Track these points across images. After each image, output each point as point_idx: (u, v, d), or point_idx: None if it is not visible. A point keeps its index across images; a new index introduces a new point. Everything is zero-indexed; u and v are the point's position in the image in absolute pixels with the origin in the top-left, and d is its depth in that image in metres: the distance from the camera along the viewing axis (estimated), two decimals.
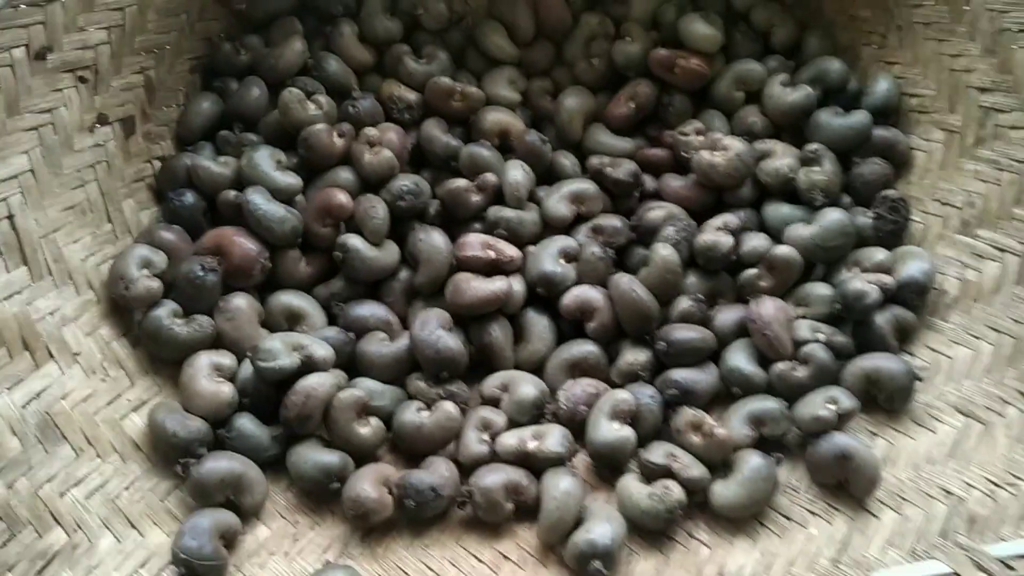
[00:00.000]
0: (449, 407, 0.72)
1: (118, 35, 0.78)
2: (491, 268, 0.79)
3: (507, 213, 0.82)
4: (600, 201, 0.85)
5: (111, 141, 0.78)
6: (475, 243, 0.80)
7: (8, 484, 0.63)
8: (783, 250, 0.79)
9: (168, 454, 0.70)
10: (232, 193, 0.79)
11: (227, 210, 0.79)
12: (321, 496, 0.71)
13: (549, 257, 0.80)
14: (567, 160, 0.88)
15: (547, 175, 0.88)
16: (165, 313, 0.73)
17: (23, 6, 0.71)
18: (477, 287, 0.77)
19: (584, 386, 0.75)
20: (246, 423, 0.71)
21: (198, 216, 0.80)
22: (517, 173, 0.84)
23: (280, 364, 0.70)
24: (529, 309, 0.80)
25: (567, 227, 0.84)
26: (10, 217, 0.70)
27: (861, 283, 0.76)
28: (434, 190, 0.86)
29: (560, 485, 0.67)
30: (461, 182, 0.83)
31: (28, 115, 0.72)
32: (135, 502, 0.68)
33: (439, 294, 0.80)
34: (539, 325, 0.79)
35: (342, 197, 0.80)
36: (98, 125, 0.77)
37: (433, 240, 0.80)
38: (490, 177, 0.83)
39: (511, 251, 0.80)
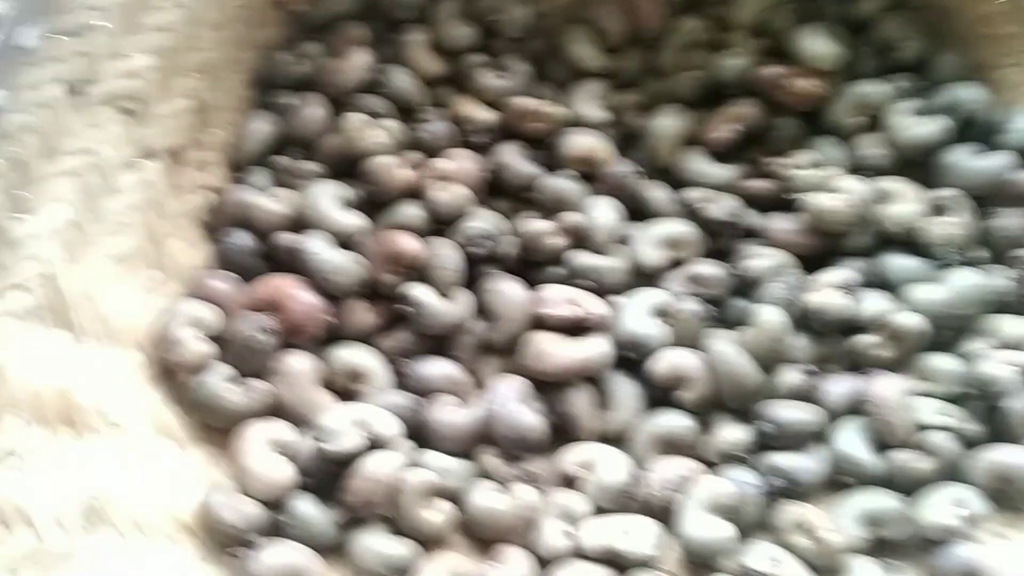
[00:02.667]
0: (528, 493, 0.65)
1: (166, 58, 0.69)
2: (575, 327, 0.71)
3: (592, 261, 0.74)
4: (696, 245, 0.76)
5: (157, 176, 0.71)
6: (558, 299, 0.71)
7: None
8: (911, 320, 0.70)
9: (224, 543, 0.64)
10: (288, 236, 0.72)
11: (284, 255, 0.72)
12: None
13: (639, 316, 0.71)
14: (661, 194, 0.79)
15: (636, 209, 0.79)
16: (217, 379, 0.67)
17: (62, 37, 0.62)
18: (563, 354, 0.69)
19: (677, 468, 0.68)
20: (308, 509, 0.65)
21: (252, 259, 0.72)
22: (605, 214, 0.75)
23: (344, 448, 0.63)
24: (614, 372, 0.72)
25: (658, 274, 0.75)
26: (49, 276, 0.63)
27: (996, 366, 0.67)
28: (511, 223, 0.77)
29: None
30: (541, 225, 0.74)
31: (66, 157, 0.64)
32: None
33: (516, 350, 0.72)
34: (625, 391, 0.71)
35: (412, 244, 0.72)
36: (143, 160, 0.69)
37: (508, 292, 0.72)
38: (574, 217, 0.74)
39: (599, 308, 0.71)
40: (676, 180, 0.80)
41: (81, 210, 0.65)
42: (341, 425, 0.64)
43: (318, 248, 0.69)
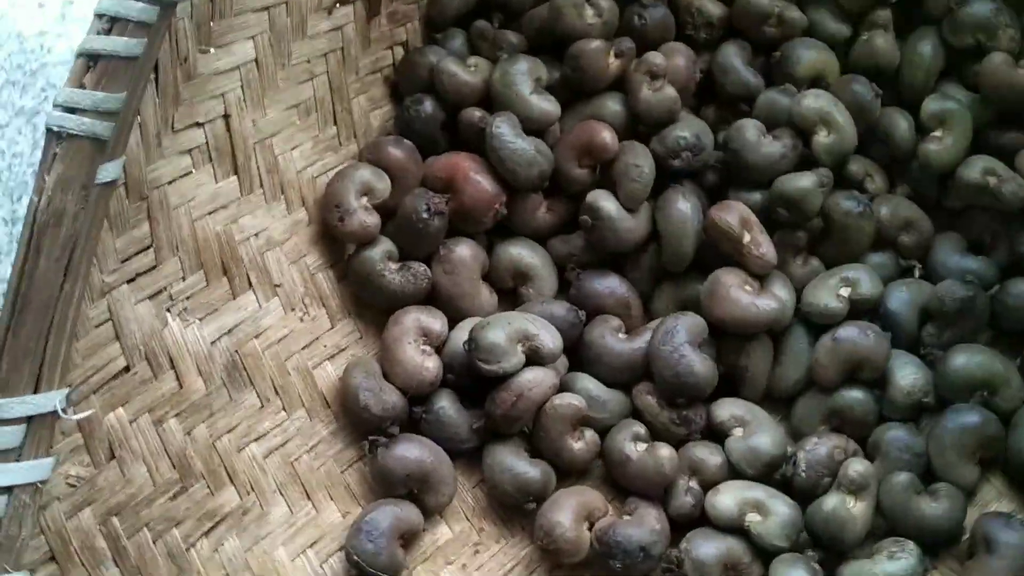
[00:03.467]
0: (665, 453, 0.60)
1: None
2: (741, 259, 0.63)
3: (795, 190, 0.64)
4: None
5: (350, 24, 0.65)
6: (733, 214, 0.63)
7: (187, 430, 0.57)
8: None
9: (357, 425, 0.62)
10: (478, 114, 0.66)
11: (468, 131, 0.66)
12: (514, 508, 0.62)
13: (828, 290, 0.63)
14: (904, 121, 0.68)
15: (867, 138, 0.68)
16: (379, 255, 0.63)
17: None
18: (744, 303, 0.62)
19: (834, 447, 0.61)
20: (447, 407, 0.62)
21: (435, 130, 0.67)
22: (829, 139, 0.65)
23: (504, 367, 0.59)
24: (796, 329, 0.65)
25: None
26: (226, 117, 0.60)
27: None
28: (716, 133, 0.68)
29: None
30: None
31: None
32: (315, 469, 0.61)
33: (692, 275, 0.66)
34: (801, 349, 0.64)
35: (608, 136, 0.65)
36: (338, 4, 0.64)
37: (682, 211, 0.64)
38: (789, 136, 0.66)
39: (770, 252, 0.63)
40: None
41: (268, 51, 0.61)
42: (501, 340, 0.59)
43: (506, 132, 0.63)
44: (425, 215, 0.62)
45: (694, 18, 0.69)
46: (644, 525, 0.58)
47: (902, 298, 0.64)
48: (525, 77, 0.65)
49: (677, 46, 0.68)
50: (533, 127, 0.65)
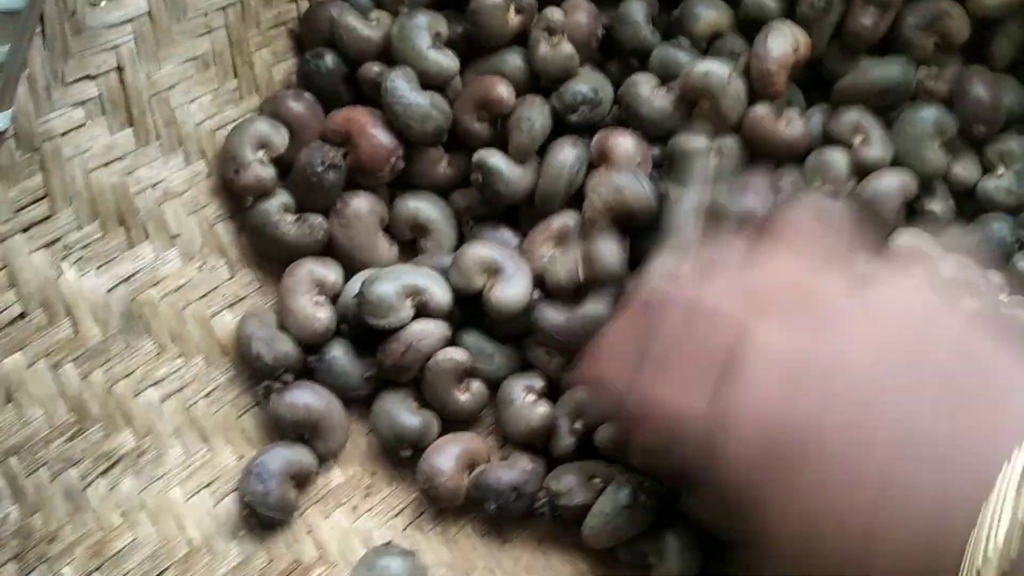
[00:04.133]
0: (541, 411, 0.62)
1: None
2: None
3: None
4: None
5: None
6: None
7: (83, 375, 0.59)
8: None
9: (252, 373, 0.64)
10: (375, 68, 0.66)
11: (368, 86, 0.67)
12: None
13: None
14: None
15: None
16: (274, 207, 0.64)
17: None
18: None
19: None
20: (339, 356, 0.63)
21: (337, 84, 0.68)
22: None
23: (391, 322, 0.61)
24: None
25: None
26: (119, 69, 0.61)
27: None
28: (617, 89, 0.69)
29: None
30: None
31: None
32: (211, 414, 0.63)
33: None
34: None
35: (503, 90, 0.65)
36: None
37: (562, 159, 0.65)
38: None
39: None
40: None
41: (162, 5, 0.62)
42: (390, 294, 0.61)
43: (401, 87, 0.64)
44: (320, 168, 0.64)
45: None
46: (515, 468, 0.61)
47: None
48: (424, 32, 0.66)
49: (579, 1, 0.69)
50: (431, 82, 0.66)
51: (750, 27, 0.69)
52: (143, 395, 0.61)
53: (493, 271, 0.62)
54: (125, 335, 0.61)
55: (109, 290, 0.61)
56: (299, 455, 0.61)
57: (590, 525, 0.59)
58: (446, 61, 0.66)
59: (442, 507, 0.63)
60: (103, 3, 0.59)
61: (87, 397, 0.59)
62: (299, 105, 0.66)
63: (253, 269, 0.67)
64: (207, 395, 0.63)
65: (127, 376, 0.61)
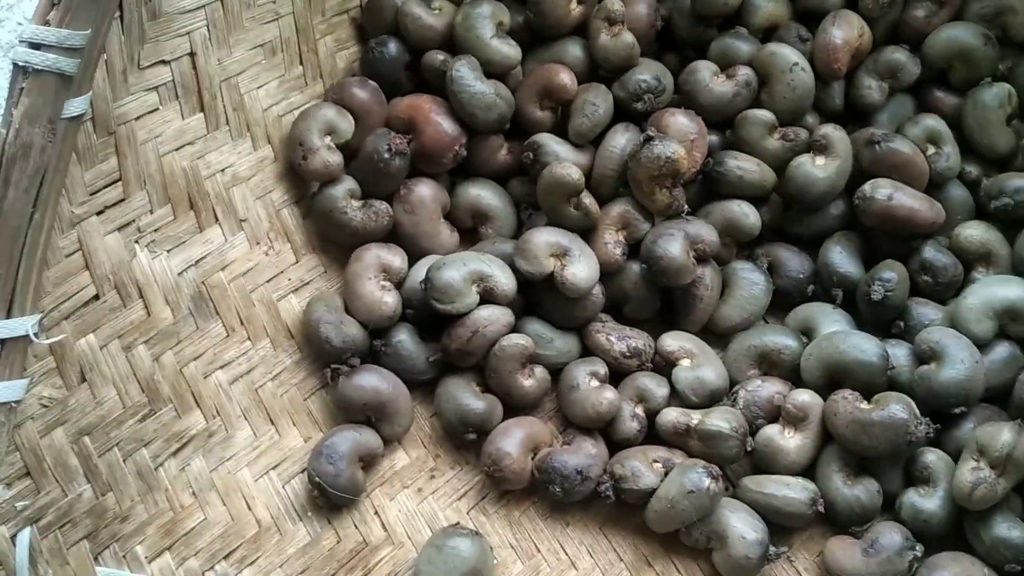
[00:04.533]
0: (608, 395, 0.62)
1: None
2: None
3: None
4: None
5: None
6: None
7: (155, 356, 0.60)
8: None
9: (319, 356, 0.64)
10: (440, 57, 0.67)
11: (431, 74, 0.68)
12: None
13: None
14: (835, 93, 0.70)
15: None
16: (341, 193, 0.65)
17: None
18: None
19: (776, 392, 0.63)
20: (405, 340, 0.64)
21: (399, 72, 0.69)
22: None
23: (457, 307, 0.62)
24: (746, 263, 0.68)
25: None
26: (191, 55, 0.61)
27: None
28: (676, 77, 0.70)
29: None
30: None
31: None
32: (278, 396, 0.64)
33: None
34: (755, 286, 0.67)
35: (566, 77, 0.67)
36: None
37: (614, 140, 0.66)
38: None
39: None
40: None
41: None
42: (456, 281, 0.62)
43: (466, 76, 0.65)
44: (386, 155, 0.64)
45: None
46: (580, 452, 0.62)
47: None
48: (487, 21, 0.67)
49: None
50: (494, 71, 0.67)
51: (808, 19, 0.70)
52: (212, 377, 0.62)
53: (561, 254, 0.63)
54: (195, 317, 0.62)
55: (180, 273, 0.62)
56: (367, 437, 0.62)
57: (654, 509, 0.60)
58: (509, 50, 0.67)
59: (506, 489, 0.63)
60: None
61: (159, 378, 0.60)
62: (364, 92, 0.67)
63: (318, 254, 0.68)
64: (274, 378, 0.64)
65: (197, 358, 0.62)
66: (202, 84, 0.62)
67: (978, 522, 0.58)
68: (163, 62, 0.60)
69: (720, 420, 0.61)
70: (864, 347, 0.61)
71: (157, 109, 0.60)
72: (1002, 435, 0.57)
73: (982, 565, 0.58)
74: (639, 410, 0.63)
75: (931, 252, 0.65)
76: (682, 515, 0.59)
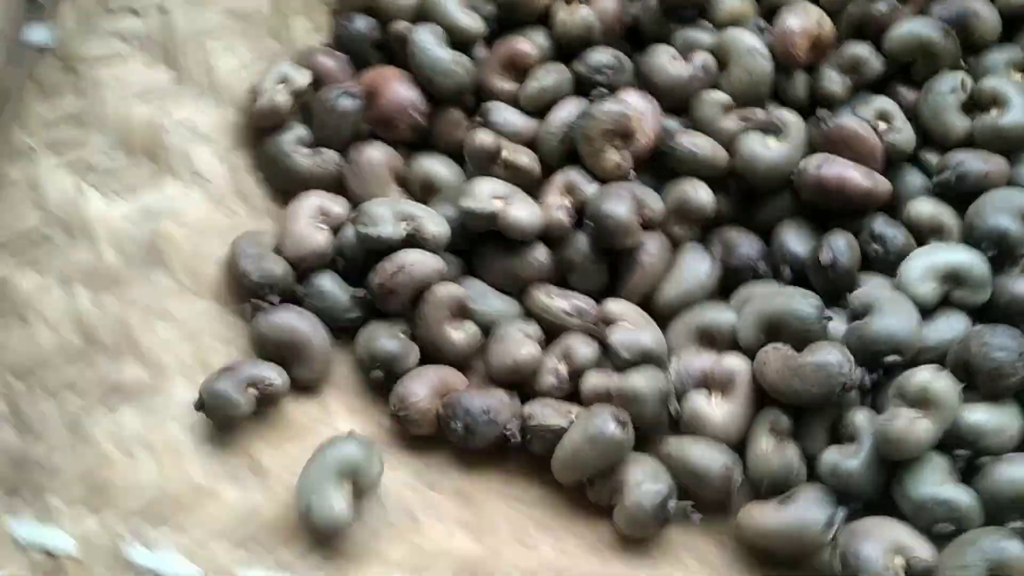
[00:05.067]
0: (530, 350, 0.60)
1: None
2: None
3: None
4: None
5: None
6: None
7: (96, 301, 0.60)
8: None
9: (238, 292, 0.63)
10: (403, 24, 0.68)
11: (398, 44, 0.69)
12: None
13: None
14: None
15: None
16: (290, 138, 0.66)
17: None
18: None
19: (708, 361, 0.61)
20: (326, 282, 0.63)
21: (366, 47, 0.70)
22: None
23: (381, 232, 0.61)
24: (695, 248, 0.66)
25: None
26: (160, 8, 0.63)
27: None
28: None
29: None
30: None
31: None
32: (220, 355, 0.62)
33: None
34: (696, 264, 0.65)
35: (526, 45, 0.67)
36: None
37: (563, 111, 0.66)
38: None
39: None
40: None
41: None
42: (386, 213, 0.61)
43: (427, 42, 0.66)
44: (336, 97, 0.65)
45: None
46: (490, 395, 0.59)
47: None
48: None
49: None
50: (457, 38, 0.67)
51: (771, 16, 0.69)
52: (154, 328, 0.61)
53: (504, 197, 0.62)
54: (143, 266, 0.62)
55: (131, 221, 0.62)
56: (265, 369, 0.59)
57: (558, 457, 0.57)
58: (472, 21, 0.68)
59: (414, 432, 0.60)
60: None
61: (97, 323, 0.59)
62: (331, 60, 0.68)
63: (275, 219, 0.67)
64: (218, 337, 0.62)
65: (140, 307, 0.61)
66: (170, 39, 0.64)
67: (905, 481, 0.55)
68: (133, 12, 0.62)
69: (639, 380, 0.58)
70: (797, 297, 0.59)
71: (122, 56, 0.62)
72: (918, 374, 0.55)
73: (911, 529, 0.53)
74: (562, 367, 0.61)
75: (879, 223, 0.63)
76: (586, 462, 0.56)
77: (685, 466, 0.57)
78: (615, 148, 0.63)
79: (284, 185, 0.66)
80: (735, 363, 0.59)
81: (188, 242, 0.64)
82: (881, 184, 0.63)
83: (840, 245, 0.61)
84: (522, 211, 0.61)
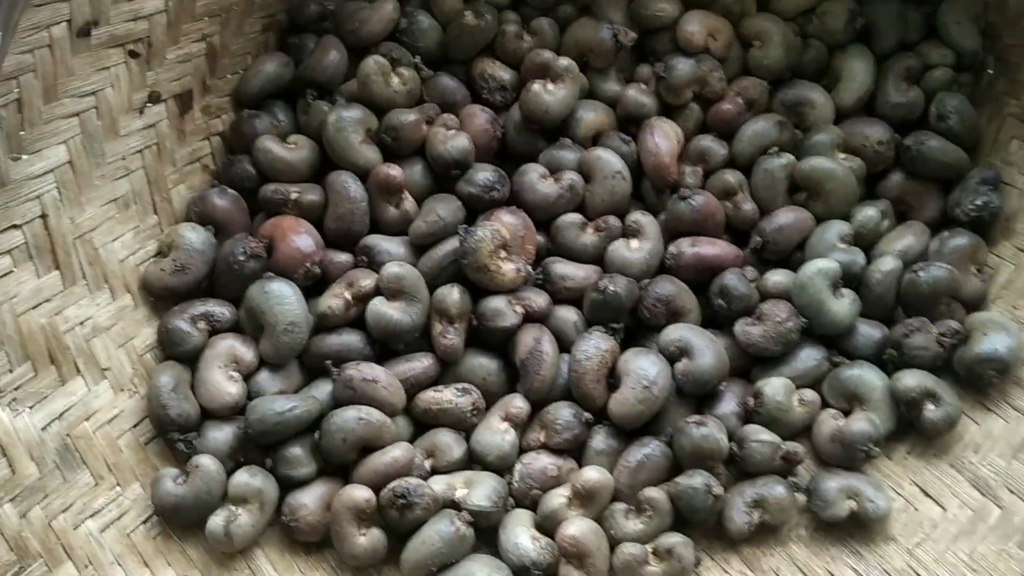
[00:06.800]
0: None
1: (176, 0, 0.68)
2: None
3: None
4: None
5: (163, 121, 0.71)
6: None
7: (21, 513, 0.60)
8: None
9: (153, 419, 0.66)
10: (272, 188, 0.72)
11: (268, 206, 0.73)
12: None
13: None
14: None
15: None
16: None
17: None
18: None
19: (547, 464, 0.67)
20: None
21: (252, 183, 0.73)
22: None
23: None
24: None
25: None
26: (43, 217, 0.64)
27: None
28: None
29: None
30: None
31: (68, 100, 0.64)
32: (151, 538, 0.64)
33: None
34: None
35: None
36: (149, 104, 0.69)
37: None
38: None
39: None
40: None
41: (81, 153, 0.65)
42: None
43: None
44: (241, 256, 0.68)
45: (488, 83, 0.75)
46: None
47: None
48: (358, 127, 0.72)
49: (475, 108, 0.74)
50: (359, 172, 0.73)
51: (629, 124, 0.76)
52: (82, 527, 0.62)
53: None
54: (61, 470, 0.62)
55: (44, 427, 0.62)
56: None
57: (408, 550, 0.64)
58: (372, 155, 0.73)
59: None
60: (24, 156, 0.63)
61: (27, 535, 0.60)
62: (224, 201, 0.71)
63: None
64: (146, 520, 0.64)
65: (65, 510, 0.62)
66: (56, 243, 0.64)
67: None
68: (15, 226, 0.63)
69: (481, 499, 0.64)
70: None
71: (11, 272, 0.62)
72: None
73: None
74: (427, 463, 0.67)
75: (731, 279, 0.70)
76: (433, 556, 0.62)
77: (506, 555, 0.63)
78: (506, 259, 0.68)
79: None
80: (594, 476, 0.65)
81: (103, 435, 0.65)
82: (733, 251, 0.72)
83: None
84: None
